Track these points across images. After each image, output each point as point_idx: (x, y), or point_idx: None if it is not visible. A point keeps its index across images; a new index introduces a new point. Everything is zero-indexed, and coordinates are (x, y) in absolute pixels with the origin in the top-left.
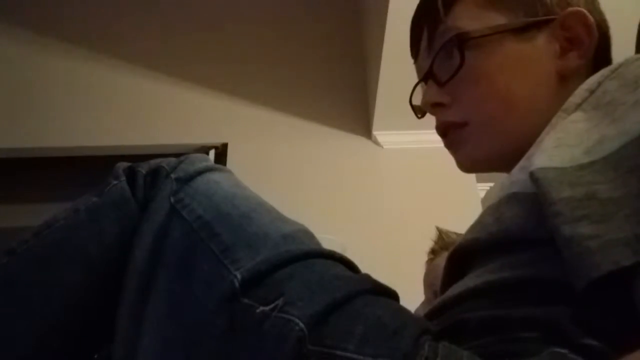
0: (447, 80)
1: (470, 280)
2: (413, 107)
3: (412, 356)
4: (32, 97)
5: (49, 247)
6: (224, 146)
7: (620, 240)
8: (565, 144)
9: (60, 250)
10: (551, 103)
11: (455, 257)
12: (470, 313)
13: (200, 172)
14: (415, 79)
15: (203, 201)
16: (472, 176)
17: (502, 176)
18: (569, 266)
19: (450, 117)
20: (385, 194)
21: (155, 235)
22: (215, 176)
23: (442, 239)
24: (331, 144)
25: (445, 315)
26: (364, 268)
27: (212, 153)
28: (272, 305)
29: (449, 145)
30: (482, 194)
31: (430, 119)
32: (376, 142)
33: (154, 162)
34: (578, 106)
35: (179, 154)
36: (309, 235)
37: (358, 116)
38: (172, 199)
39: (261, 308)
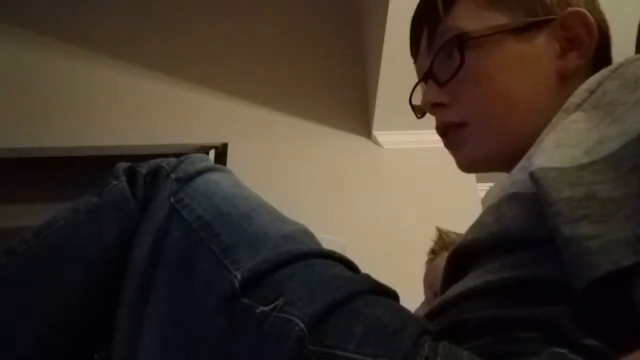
0: (447, 81)
1: (470, 281)
2: (413, 107)
3: (412, 356)
4: (32, 97)
5: (49, 247)
6: (224, 146)
7: (620, 241)
8: (566, 144)
9: (60, 250)
10: (551, 103)
11: (455, 257)
12: (470, 313)
13: (200, 172)
14: (415, 79)
15: (203, 201)
16: (472, 176)
17: (502, 176)
18: (569, 266)
19: (450, 117)
20: (385, 194)
21: (155, 235)
22: (215, 176)
23: (442, 239)
24: (331, 144)
25: (445, 315)
26: (364, 268)
27: (212, 153)
28: (272, 305)
29: (449, 145)
30: (482, 194)
31: (430, 119)
32: (376, 142)
33: (154, 162)
34: (578, 106)
35: (179, 154)
36: (309, 235)
37: (358, 116)
38: (172, 199)
39: (261, 308)
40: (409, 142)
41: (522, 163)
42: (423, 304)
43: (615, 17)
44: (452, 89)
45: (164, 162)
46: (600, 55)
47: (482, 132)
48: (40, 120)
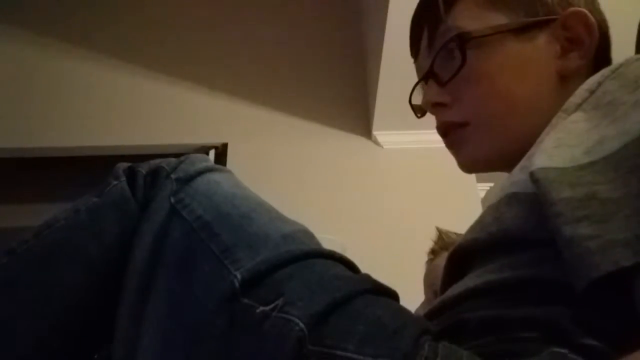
0: (448, 80)
1: (470, 281)
2: (413, 107)
3: (412, 356)
4: (32, 97)
5: (49, 247)
6: (224, 146)
7: (620, 241)
8: (566, 144)
9: (60, 250)
10: (552, 103)
11: (455, 257)
12: (470, 313)
13: (201, 173)
14: (415, 79)
15: (203, 201)
16: (472, 176)
17: (502, 176)
18: (569, 266)
19: (451, 117)
20: (385, 194)
21: (155, 236)
22: (215, 176)
23: (442, 239)
24: (331, 144)
25: (445, 315)
26: (364, 268)
27: (212, 153)
28: (272, 305)
29: (450, 145)
30: (482, 194)
31: (430, 119)
32: (376, 142)
33: (154, 162)
34: (578, 106)
35: (179, 154)
36: (309, 235)
37: (358, 116)
38: (172, 199)
39: (261, 308)
40: (409, 142)
41: (522, 163)
42: (423, 304)
43: (615, 17)
44: (453, 89)
45: (164, 162)
46: (601, 56)
47: (484, 132)
48: (40, 120)
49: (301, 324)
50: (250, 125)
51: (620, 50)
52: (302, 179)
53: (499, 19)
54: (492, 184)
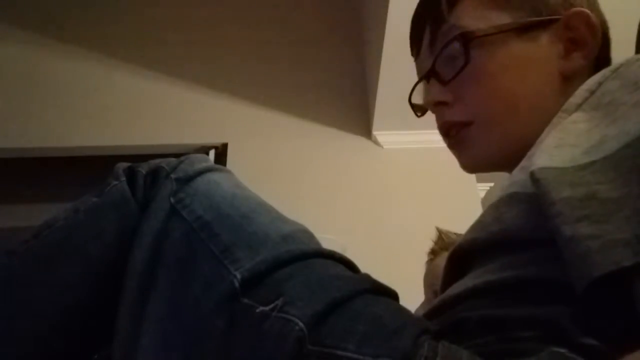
0: (450, 79)
1: (470, 280)
2: (413, 106)
3: (412, 355)
4: (32, 97)
5: (49, 247)
6: (224, 146)
7: (620, 241)
8: (566, 144)
9: (60, 250)
10: (554, 103)
11: (456, 257)
12: (470, 312)
13: (200, 173)
14: (415, 79)
15: (203, 201)
16: (472, 176)
17: (502, 176)
18: (570, 266)
19: (454, 117)
20: (385, 194)
21: (155, 236)
22: (215, 176)
23: (442, 240)
24: (331, 144)
25: (445, 314)
26: (364, 268)
27: (212, 153)
28: (271, 305)
29: (453, 145)
30: (482, 194)
31: (430, 119)
32: (376, 142)
33: (153, 163)
34: (578, 106)
35: (179, 154)
36: (309, 235)
37: (358, 116)
38: (172, 199)
39: (261, 308)
40: (409, 142)
41: (522, 163)
42: (423, 304)
43: (615, 17)
44: (456, 88)
45: (164, 162)
46: (601, 56)
47: (487, 131)
48: (40, 120)
49: (301, 324)
50: (250, 125)
51: (620, 50)
52: (302, 179)
53: (502, 19)
54: (492, 184)
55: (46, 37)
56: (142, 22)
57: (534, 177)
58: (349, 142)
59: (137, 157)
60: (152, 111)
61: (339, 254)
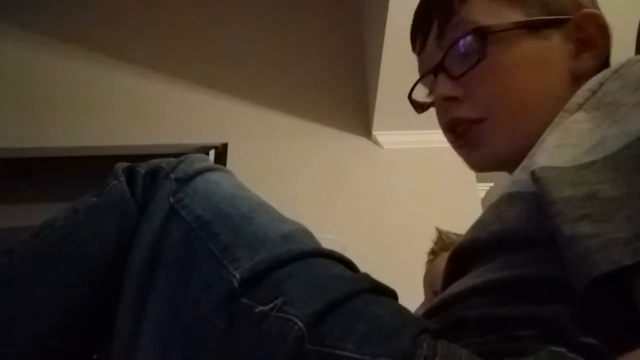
0: (462, 74)
1: (470, 279)
2: (413, 102)
3: (411, 355)
4: (32, 97)
5: (48, 247)
6: (224, 146)
7: (620, 240)
8: (567, 143)
9: (59, 250)
10: (563, 103)
11: (456, 257)
12: (470, 311)
13: (200, 172)
14: (415, 78)
15: (202, 201)
16: (472, 176)
17: (502, 176)
18: (570, 265)
19: (464, 113)
20: (385, 194)
21: (154, 236)
22: (214, 176)
23: (442, 240)
24: (331, 144)
25: (445, 313)
26: (363, 268)
27: (212, 153)
28: (271, 305)
29: (462, 143)
30: (482, 194)
31: (430, 119)
32: (376, 142)
33: (153, 162)
34: (580, 106)
35: (179, 154)
36: (308, 235)
37: (358, 116)
38: (171, 199)
39: (260, 308)
40: (409, 142)
41: (524, 163)
42: (423, 304)
43: (615, 17)
44: (466, 84)
45: (163, 162)
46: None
47: (499, 129)
48: (40, 120)
49: (300, 323)
50: (250, 125)
51: (621, 50)
52: (302, 179)
53: (515, 16)
54: (492, 184)
55: (46, 37)
56: (142, 22)
57: (534, 176)
58: (349, 142)
59: (137, 157)
60: (152, 111)
61: (338, 253)
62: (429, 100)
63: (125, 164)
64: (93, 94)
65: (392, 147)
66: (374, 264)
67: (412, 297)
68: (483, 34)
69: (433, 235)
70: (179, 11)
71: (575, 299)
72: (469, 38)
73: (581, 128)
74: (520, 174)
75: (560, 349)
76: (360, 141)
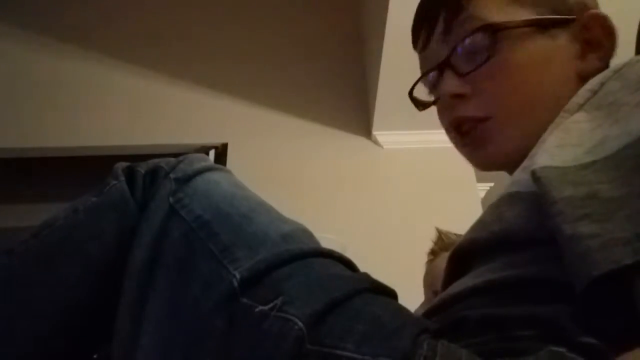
0: (471, 71)
1: (470, 279)
2: (414, 100)
3: (411, 355)
4: (32, 97)
5: (48, 247)
6: (224, 146)
7: (620, 240)
8: (568, 143)
9: (59, 250)
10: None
11: (456, 257)
12: (470, 311)
13: (200, 172)
14: (416, 77)
15: (202, 201)
16: (472, 176)
17: (503, 176)
18: (570, 265)
19: (471, 111)
20: (385, 194)
21: (154, 236)
22: (214, 176)
23: (442, 240)
24: (331, 144)
25: (445, 313)
26: (363, 268)
27: (212, 153)
28: (271, 305)
29: (469, 141)
30: (482, 194)
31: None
32: (376, 142)
33: (152, 162)
34: (580, 106)
35: (179, 154)
36: (308, 235)
37: (358, 116)
38: (171, 199)
39: (260, 307)
40: (409, 142)
41: (524, 163)
42: (423, 304)
43: (615, 17)
44: (474, 81)
45: (163, 162)
46: None
47: (505, 127)
48: (40, 120)
49: (300, 323)
50: (250, 125)
51: (621, 50)
52: (302, 179)
53: (524, 14)
54: (492, 184)
55: (46, 37)
56: (142, 22)
57: (535, 176)
58: (349, 142)
59: (137, 157)
60: (152, 111)
61: (338, 253)
62: (432, 98)
63: (125, 164)
64: (93, 94)
65: (392, 147)
66: (374, 264)
67: (412, 297)
68: (494, 31)
69: (433, 235)
70: (179, 11)
71: (575, 298)
72: (479, 34)
73: (582, 128)
74: (521, 174)
75: (560, 349)
76: (360, 141)
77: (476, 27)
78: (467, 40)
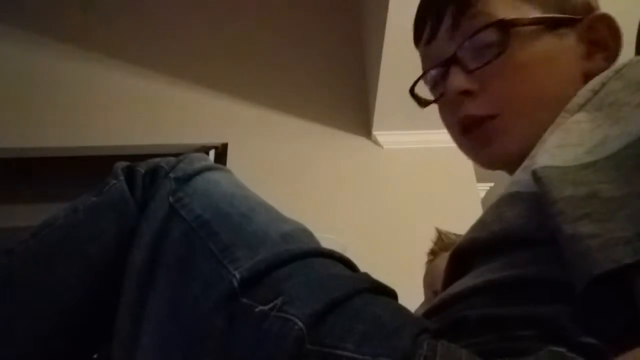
0: (479, 67)
1: (470, 279)
2: (416, 97)
3: (411, 355)
4: (32, 97)
5: (48, 247)
6: (224, 146)
7: (621, 239)
8: (568, 143)
9: (59, 250)
10: None
11: (456, 257)
12: (470, 311)
13: (199, 172)
14: (416, 76)
15: (202, 200)
16: (472, 176)
17: (503, 176)
18: (570, 265)
19: (477, 109)
20: (385, 194)
21: (154, 235)
22: (214, 175)
23: (442, 240)
24: (331, 144)
25: (445, 312)
26: (363, 268)
27: (212, 153)
28: (271, 305)
29: (474, 139)
30: (482, 194)
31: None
32: (376, 142)
33: (152, 162)
34: (581, 107)
35: (179, 154)
36: (308, 235)
37: (358, 116)
38: (171, 199)
39: (260, 307)
40: (409, 142)
41: (525, 163)
42: (423, 304)
43: (615, 18)
44: (481, 78)
45: (163, 162)
46: None
47: (512, 125)
48: (40, 120)
49: (300, 323)
50: (250, 125)
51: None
52: (302, 179)
53: (534, 12)
54: (492, 184)
55: (46, 37)
56: (142, 22)
57: (536, 176)
58: (349, 142)
59: (137, 157)
60: (152, 111)
61: (338, 253)
62: (436, 94)
63: (124, 163)
64: (93, 94)
65: (392, 147)
66: (374, 264)
67: (412, 297)
68: (505, 27)
69: (433, 235)
70: (179, 11)
71: (575, 298)
72: (490, 30)
73: (582, 128)
74: (521, 174)
75: (560, 349)
76: (360, 141)
77: (488, 22)
78: (477, 36)
